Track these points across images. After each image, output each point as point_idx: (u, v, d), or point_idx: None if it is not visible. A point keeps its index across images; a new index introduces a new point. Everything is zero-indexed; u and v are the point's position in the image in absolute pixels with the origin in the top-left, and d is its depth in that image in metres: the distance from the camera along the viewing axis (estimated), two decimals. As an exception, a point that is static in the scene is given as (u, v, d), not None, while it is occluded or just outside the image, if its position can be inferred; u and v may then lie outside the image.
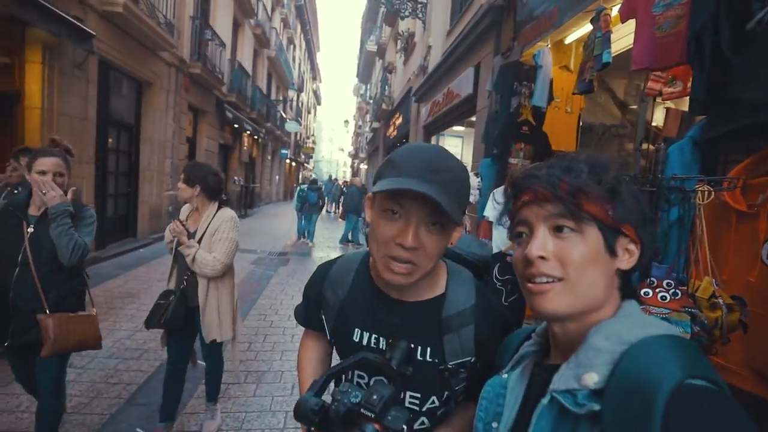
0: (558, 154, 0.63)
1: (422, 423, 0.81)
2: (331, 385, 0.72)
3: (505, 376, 0.66)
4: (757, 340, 1.30)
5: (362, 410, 0.61)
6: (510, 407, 0.63)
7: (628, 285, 0.60)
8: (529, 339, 0.69)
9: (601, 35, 2.35)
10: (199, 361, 3.17)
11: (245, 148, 14.92)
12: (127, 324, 3.75)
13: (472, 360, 0.78)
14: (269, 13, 16.64)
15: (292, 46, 24.09)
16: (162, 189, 8.09)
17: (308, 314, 0.96)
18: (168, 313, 2.07)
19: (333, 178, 13.41)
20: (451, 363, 0.77)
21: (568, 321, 0.58)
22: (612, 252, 0.56)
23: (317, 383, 0.67)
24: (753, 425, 0.43)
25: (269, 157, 20.74)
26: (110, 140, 6.76)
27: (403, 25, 11.83)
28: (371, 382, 0.80)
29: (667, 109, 2.97)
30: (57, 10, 4.30)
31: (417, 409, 0.80)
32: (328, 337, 0.89)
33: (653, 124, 3.24)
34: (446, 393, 0.80)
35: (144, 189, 7.66)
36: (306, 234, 9.38)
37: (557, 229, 0.56)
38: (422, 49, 9.37)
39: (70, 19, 4.48)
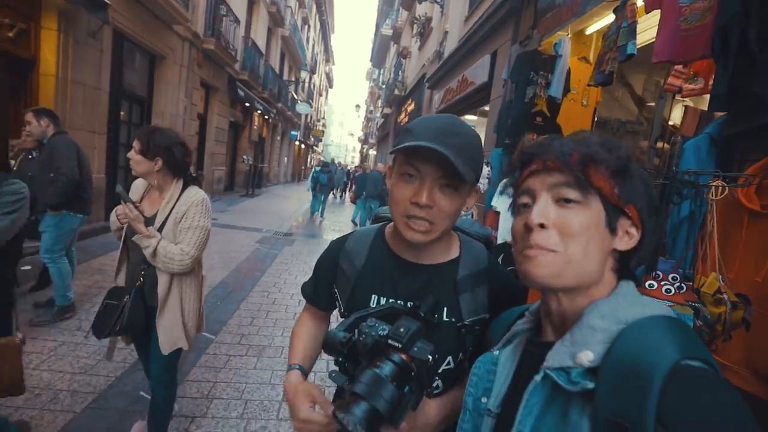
0: (573, 132, 0.62)
1: (437, 387, 0.83)
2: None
3: (496, 352, 0.67)
4: (759, 341, 1.30)
5: (390, 341, 0.62)
6: (500, 383, 0.64)
7: (626, 267, 0.60)
8: (521, 317, 0.69)
9: (627, 25, 2.28)
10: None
11: (255, 127, 14.91)
12: (134, 293, 3.83)
13: (487, 317, 0.82)
14: (285, -9, 16.38)
15: (306, 27, 23.79)
16: (172, 164, 8.14)
17: (317, 290, 0.97)
18: (124, 317, 1.65)
19: (336, 161, 13.27)
20: (467, 320, 0.80)
21: (561, 293, 0.58)
22: (612, 230, 0.56)
23: (346, 321, 0.70)
24: (747, 407, 0.43)
25: (279, 138, 20.72)
26: (122, 112, 6.79)
27: (421, 10, 11.61)
28: None
29: (686, 107, 2.91)
30: (73, -23, 4.28)
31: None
32: (342, 310, 0.90)
33: (670, 122, 3.17)
34: (460, 355, 0.83)
35: (154, 163, 7.71)
36: (316, 211, 10.78)
37: (561, 200, 0.56)
38: (439, 34, 9.21)
39: (87, -14, 4.46)
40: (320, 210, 10.71)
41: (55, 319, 2.99)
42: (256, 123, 14.91)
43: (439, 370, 0.82)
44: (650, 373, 0.44)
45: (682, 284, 1.18)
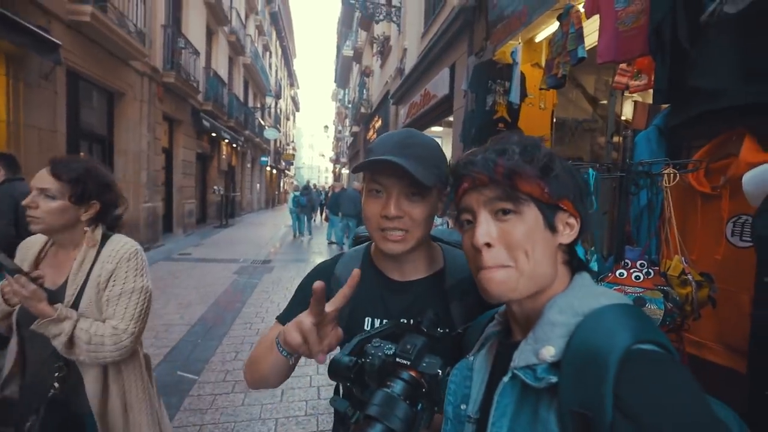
0: (494, 137, 0.64)
1: (434, 413, 0.82)
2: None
3: (471, 358, 0.68)
4: (726, 315, 1.37)
5: (397, 359, 0.62)
6: (477, 388, 0.64)
7: (575, 258, 0.62)
8: (492, 321, 0.70)
9: (575, 31, 2.42)
10: (180, 373, 3.11)
11: (224, 156, 14.70)
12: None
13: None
14: (243, 20, 16.49)
15: (267, 53, 23.91)
16: (139, 201, 7.88)
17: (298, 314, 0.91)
18: None
19: (312, 184, 13.15)
20: (460, 329, 0.79)
21: (520, 302, 0.60)
22: (552, 228, 0.58)
23: (349, 345, 0.69)
24: (697, 384, 0.45)
25: (249, 165, 20.48)
26: (82, 153, 6.55)
27: (379, 29, 11.92)
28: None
29: (635, 103, 3.09)
30: (19, 20, 4.16)
31: None
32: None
33: (623, 117, 3.36)
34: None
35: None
36: (300, 231, 11.47)
37: (499, 213, 0.58)
38: (398, 51, 9.46)
39: (34, 29, 4.34)
40: (308, 229, 11.58)
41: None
42: (224, 152, 14.71)
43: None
44: (605, 361, 0.45)
45: (650, 270, 1.23)
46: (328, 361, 0.68)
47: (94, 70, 6.36)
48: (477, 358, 0.67)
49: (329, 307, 0.66)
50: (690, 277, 1.18)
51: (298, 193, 11.39)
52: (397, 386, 0.59)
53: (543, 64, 3.50)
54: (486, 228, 0.58)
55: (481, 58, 3.96)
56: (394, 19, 9.57)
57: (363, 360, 0.65)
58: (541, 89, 2.91)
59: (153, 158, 8.52)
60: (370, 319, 0.84)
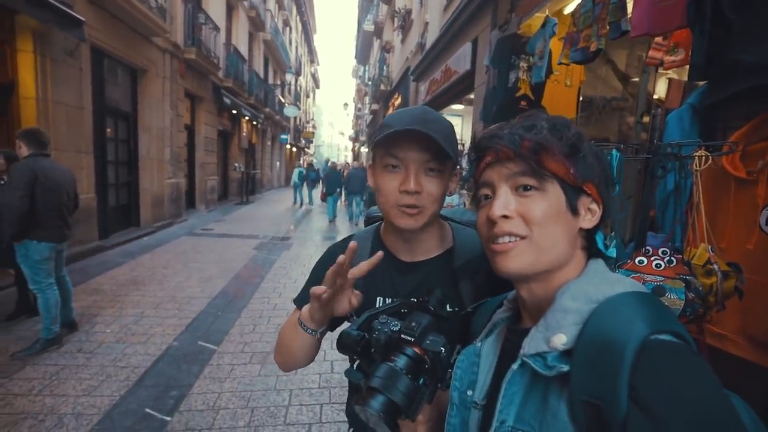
0: (522, 114, 0.61)
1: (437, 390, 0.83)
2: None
3: (479, 344, 0.67)
4: (753, 308, 1.30)
5: (402, 335, 0.64)
6: (484, 374, 0.63)
7: (593, 245, 0.61)
8: (501, 307, 0.69)
9: (617, 1, 2.24)
10: (201, 343, 3.24)
11: (244, 134, 14.82)
12: (133, 310, 3.81)
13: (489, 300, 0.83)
14: (263, -6, 16.24)
15: (288, 29, 23.60)
16: (163, 177, 8.09)
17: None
18: None
19: (330, 162, 13.70)
20: (470, 308, 0.79)
21: (532, 281, 0.58)
22: (574, 211, 0.56)
23: (358, 321, 0.71)
24: (715, 377, 0.44)
25: (269, 143, 20.62)
26: (108, 129, 6.73)
27: (400, 2, 11.54)
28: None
29: (670, 80, 2.90)
30: (43, -4, 4.21)
31: None
32: (354, 316, 0.89)
33: (655, 96, 3.16)
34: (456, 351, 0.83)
35: (144, 177, 7.66)
36: (304, 201, 13.99)
37: (519, 188, 0.56)
38: (419, 26, 9.15)
39: (57, 4, 4.39)
40: (311, 200, 13.93)
41: (37, 351, 2.87)
42: (244, 130, 14.83)
43: (452, 361, 0.82)
44: (621, 351, 0.43)
45: (672, 257, 1.17)
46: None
47: (117, 46, 6.44)
48: (485, 344, 0.66)
49: (350, 274, 0.71)
50: (716, 266, 1.12)
51: (303, 170, 14.03)
52: (401, 361, 0.60)
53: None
54: (504, 201, 0.56)
55: (505, 32, 3.78)
56: (417, -9, 9.22)
57: (370, 335, 0.67)
58: (559, 64, 2.74)
59: (176, 135, 8.67)
60: (381, 299, 0.85)
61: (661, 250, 1.21)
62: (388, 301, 0.84)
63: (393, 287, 0.84)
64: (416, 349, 0.62)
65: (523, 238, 0.55)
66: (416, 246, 0.84)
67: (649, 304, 0.49)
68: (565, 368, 0.48)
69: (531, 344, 0.53)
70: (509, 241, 0.56)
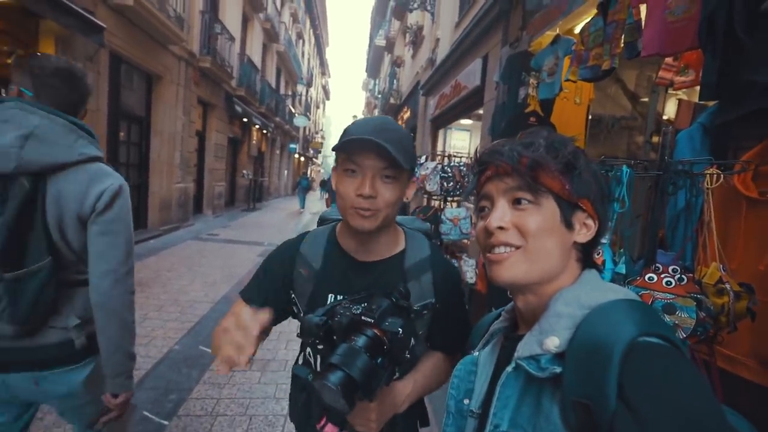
0: (525, 131, 0.65)
1: (395, 372, 0.85)
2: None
3: (476, 353, 0.68)
4: (766, 330, 1.27)
5: (363, 317, 0.66)
6: (481, 383, 0.65)
7: (589, 258, 0.63)
8: (499, 317, 0.71)
9: (633, 22, 2.26)
10: (201, 347, 3.23)
11: (254, 142, 15.00)
12: (136, 311, 3.80)
13: (433, 301, 0.89)
14: (278, 7, 16.64)
15: (301, 41, 24.08)
16: (172, 181, 8.18)
17: (261, 290, 0.94)
18: None
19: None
20: (416, 305, 0.85)
21: (528, 291, 0.61)
22: (568, 225, 0.59)
23: (322, 309, 0.73)
24: (704, 379, 0.45)
25: (278, 152, 20.83)
26: (121, 132, 6.85)
27: (412, 18, 11.74)
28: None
29: (680, 101, 2.90)
30: (68, 2, 4.36)
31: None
32: (299, 313, 0.93)
33: (665, 116, 3.17)
34: (412, 340, 0.82)
35: (154, 181, 7.75)
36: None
37: (516, 202, 0.59)
38: (430, 41, 9.30)
39: (81, 11, 4.53)
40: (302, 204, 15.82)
41: None
42: (254, 138, 15.01)
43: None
44: (609, 352, 0.45)
45: (683, 276, 1.15)
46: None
47: (134, 53, 6.60)
48: (482, 354, 0.67)
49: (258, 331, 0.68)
50: (728, 286, 1.10)
51: (299, 178, 16.80)
52: (360, 340, 0.63)
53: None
54: (501, 213, 0.59)
55: (516, 49, 3.83)
56: (428, 7, 9.39)
57: (332, 320, 0.69)
58: (566, 80, 2.76)
59: (187, 140, 8.81)
60: (332, 296, 0.89)
61: (672, 267, 1.19)
62: (339, 297, 0.87)
63: (348, 284, 0.88)
64: (376, 330, 0.64)
65: (517, 248, 0.58)
66: (371, 246, 0.89)
67: (639, 309, 0.51)
68: (558, 370, 0.50)
69: (524, 347, 0.55)
70: (504, 252, 0.58)
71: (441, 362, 0.92)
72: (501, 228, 0.58)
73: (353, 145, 0.78)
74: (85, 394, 1.15)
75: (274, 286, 0.94)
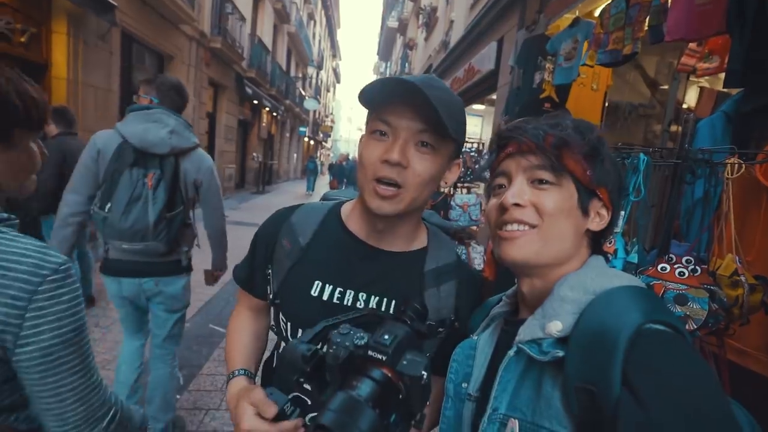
0: (547, 114, 0.64)
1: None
2: None
3: (476, 337, 0.67)
4: (779, 324, 1.26)
5: (370, 352, 0.49)
6: (479, 367, 0.64)
7: (598, 246, 0.62)
8: (499, 302, 0.70)
9: (659, 4, 2.17)
10: (212, 326, 3.29)
11: (264, 124, 14.98)
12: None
13: (452, 319, 0.72)
14: (290, -14, 16.34)
15: (312, 22, 23.72)
16: (183, 163, 8.24)
17: (252, 271, 0.81)
18: None
19: (352, 157, 14.95)
20: (431, 320, 0.66)
21: (535, 274, 0.59)
22: (584, 211, 0.58)
23: (310, 332, 0.56)
24: (708, 367, 0.45)
25: (288, 135, 20.79)
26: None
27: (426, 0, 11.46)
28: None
29: (701, 88, 2.81)
30: (80, -20, 4.33)
31: None
32: (271, 296, 0.77)
33: (685, 105, 3.07)
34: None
35: (165, 162, 7.81)
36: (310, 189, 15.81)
37: (536, 182, 0.57)
38: (444, 24, 9.09)
39: (93, -12, 4.50)
40: (310, 187, 15.86)
41: None
42: (264, 120, 14.98)
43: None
44: (615, 338, 0.44)
45: (697, 267, 1.14)
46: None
47: (146, 32, 6.57)
48: (481, 337, 0.66)
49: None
50: (743, 278, 1.08)
51: (310, 161, 17.17)
52: (365, 387, 0.45)
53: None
54: (519, 189, 0.57)
55: (533, 32, 3.72)
56: (443, -12, 9.15)
57: (326, 350, 0.51)
58: (582, 65, 2.68)
59: (198, 122, 8.82)
60: (319, 284, 0.71)
61: (685, 258, 1.17)
62: (328, 289, 0.70)
63: (347, 272, 0.71)
64: (388, 372, 0.47)
65: (533, 227, 0.56)
66: (385, 233, 0.71)
67: (645, 296, 0.50)
68: (560, 353, 0.49)
69: (527, 331, 0.54)
70: (518, 229, 0.56)
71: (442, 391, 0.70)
72: (517, 205, 0.56)
73: (386, 96, 0.61)
74: (180, 295, 1.86)
75: (260, 262, 0.79)
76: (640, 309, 0.46)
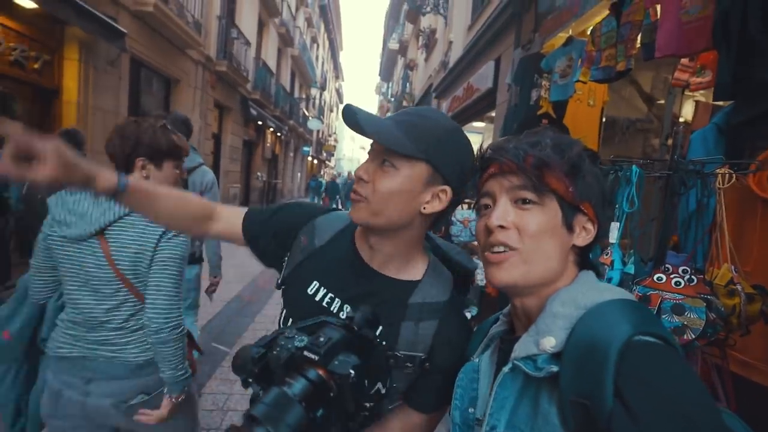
0: (529, 130, 0.63)
1: (366, 412, 0.73)
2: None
3: (476, 360, 0.66)
4: (782, 334, 1.25)
5: (305, 353, 0.53)
6: (484, 389, 0.63)
7: (586, 260, 0.62)
8: (496, 322, 0.69)
9: (650, 23, 2.23)
10: (214, 344, 3.29)
11: (268, 144, 15.21)
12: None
13: (423, 357, 0.71)
14: (293, 12, 16.87)
15: (315, 45, 24.36)
16: (188, 183, 8.36)
17: (261, 224, 0.84)
18: None
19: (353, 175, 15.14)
20: (400, 352, 0.70)
21: (525, 294, 0.59)
22: (569, 228, 0.58)
23: (266, 338, 0.60)
24: (698, 379, 0.45)
25: (292, 154, 21.06)
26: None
27: (425, 22, 11.79)
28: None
29: (697, 102, 2.85)
30: (92, 9, 4.52)
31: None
32: (279, 282, 0.83)
33: (681, 118, 3.11)
34: (388, 382, 0.71)
35: (171, 182, 7.93)
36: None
37: (519, 201, 0.58)
38: (443, 44, 9.32)
39: (104, 18, 4.69)
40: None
41: None
42: (269, 140, 15.21)
43: (371, 392, 0.70)
44: (605, 350, 0.44)
45: (693, 276, 1.14)
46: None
47: (154, 57, 6.79)
48: (482, 359, 0.66)
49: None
50: (739, 287, 1.08)
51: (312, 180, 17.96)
52: (298, 385, 0.49)
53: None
54: (503, 211, 0.58)
55: (528, 51, 3.81)
56: (441, 11, 9.42)
57: (270, 352, 0.56)
58: (576, 81, 2.74)
59: (203, 143, 8.99)
60: (317, 285, 0.76)
61: (682, 268, 1.18)
62: (323, 291, 0.75)
63: (340, 283, 0.75)
64: (320, 371, 0.51)
65: (514, 249, 0.56)
66: (376, 254, 0.74)
67: (635, 308, 0.50)
68: (555, 368, 0.49)
69: (521, 348, 0.54)
70: (503, 251, 0.57)
71: (417, 426, 0.74)
72: (501, 227, 0.57)
73: (344, 114, 0.67)
74: (194, 279, 2.47)
75: (274, 229, 0.83)
76: (629, 321, 0.47)
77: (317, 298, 0.76)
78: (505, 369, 0.56)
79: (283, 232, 0.83)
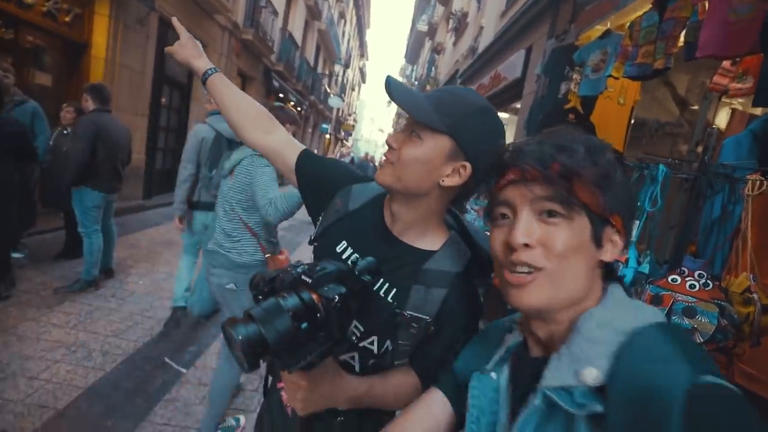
0: (552, 129, 0.57)
1: (353, 361, 0.81)
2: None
3: (494, 375, 0.60)
4: (792, 350, 1.23)
5: (302, 276, 0.60)
6: (505, 411, 0.57)
7: (610, 273, 0.57)
8: (511, 332, 0.64)
9: (697, 20, 2.12)
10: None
11: (287, 118, 15.19)
12: (164, 267, 4.02)
13: (428, 320, 0.73)
14: (323, -16, 16.56)
15: (342, 21, 23.96)
16: (206, 149, 8.44)
17: (316, 164, 0.93)
18: None
19: (370, 156, 14.61)
20: (407, 312, 0.73)
21: (548, 319, 0.54)
22: (598, 243, 0.52)
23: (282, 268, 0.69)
24: (765, 423, 0.40)
25: (310, 130, 21.04)
26: (163, 98, 7.10)
27: (457, 5, 11.47)
28: None
29: (733, 110, 2.74)
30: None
31: (374, 351, 0.79)
32: (312, 238, 0.90)
33: (714, 125, 3.00)
34: (387, 343, 0.76)
35: (190, 147, 8.02)
36: None
37: (544, 214, 0.52)
38: (474, 29, 9.07)
39: (136, -26, 4.68)
40: None
41: (76, 290, 3.09)
42: (288, 114, 15.20)
43: (361, 345, 0.78)
44: (667, 399, 0.39)
45: (709, 281, 1.13)
46: None
47: (182, 19, 6.61)
48: (501, 377, 0.59)
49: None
50: (755, 296, 1.07)
51: None
52: (291, 300, 0.56)
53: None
54: (527, 227, 0.51)
55: (562, 42, 3.69)
56: (476, -6, 9.14)
57: (279, 276, 0.64)
58: (608, 76, 2.64)
59: (224, 110, 9.02)
60: (345, 244, 0.82)
61: (698, 272, 1.16)
62: (350, 251, 0.81)
63: (364, 245, 0.80)
64: (312, 294, 0.57)
65: (539, 270, 0.51)
66: (396, 220, 0.79)
67: (681, 339, 0.45)
68: (599, 408, 0.43)
69: (554, 376, 0.48)
70: (527, 272, 0.51)
71: (410, 384, 0.77)
72: (526, 245, 0.51)
73: (385, 86, 0.71)
74: None
75: (318, 179, 0.91)
76: (684, 359, 0.42)
77: (344, 256, 0.81)
78: (536, 402, 0.49)
79: (324, 186, 0.90)
